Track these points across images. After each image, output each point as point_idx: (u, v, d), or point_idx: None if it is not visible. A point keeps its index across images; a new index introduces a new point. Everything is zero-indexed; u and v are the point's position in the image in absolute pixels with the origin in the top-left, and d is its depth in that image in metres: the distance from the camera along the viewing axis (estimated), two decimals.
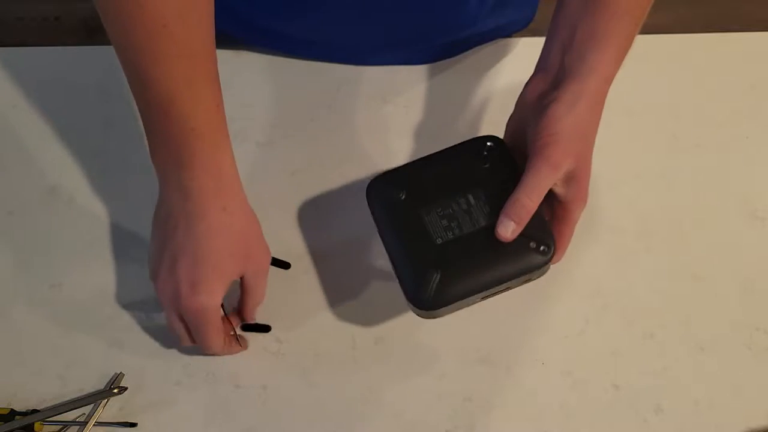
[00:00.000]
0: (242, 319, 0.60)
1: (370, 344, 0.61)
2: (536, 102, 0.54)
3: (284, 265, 0.63)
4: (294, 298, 0.62)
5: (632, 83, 0.73)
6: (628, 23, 0.54)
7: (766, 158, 0.71)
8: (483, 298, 0.54)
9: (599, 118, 0.55)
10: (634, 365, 0.61)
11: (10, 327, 0.61)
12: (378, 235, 0.56)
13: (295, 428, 0.58)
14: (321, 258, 0.64)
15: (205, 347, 0.56)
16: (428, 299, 0.52)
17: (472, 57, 0.75)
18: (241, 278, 0.57)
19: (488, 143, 0.56)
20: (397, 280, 0.54)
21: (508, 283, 0.54)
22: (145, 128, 0.54)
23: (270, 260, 0.59)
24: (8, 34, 1.59)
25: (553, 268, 0.64)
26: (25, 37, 1.56)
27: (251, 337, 0.61)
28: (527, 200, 0.52)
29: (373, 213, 0.56)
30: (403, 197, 0.55)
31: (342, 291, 0.63)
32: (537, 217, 0.53)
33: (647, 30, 0.74)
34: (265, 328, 0.61)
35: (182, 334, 0.56)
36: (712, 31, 0.77)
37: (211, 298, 0.53)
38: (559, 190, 0.53)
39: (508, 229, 0.52)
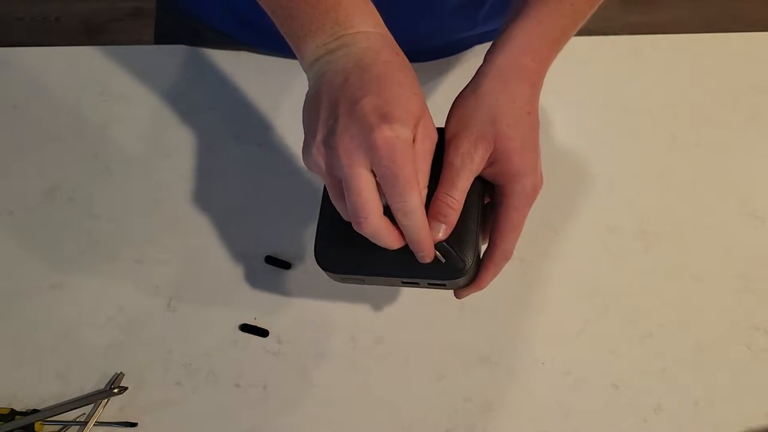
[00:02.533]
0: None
1: (370, 344, 0.61)
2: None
3: (284, 265, 0.64)
4: (294, 298, 0.62)
5: (632, 83, 0.74)
6: (557, 1, 0.51)
7: (766, 158, 0.71)
8: (389, 284, 0.53)
9: (524, 95, 0.50)
10: (634, 365, 0.61)
11: (10, 327, 0.61)
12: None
13: (295, 428, 0.58)
14: None
15: (405, 203, 0.44)
16: (328, 261, 0.51)
17: (472, 57, 0.75)
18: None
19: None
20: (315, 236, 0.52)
21: (413, 281, 0.51)
22: (287, 25, 0.49)
23: (437, 137, 0.49)
24: (8, 34, 1.59)
25: (553, 268, 0.64)
26: (25, 37, 1.56)
27: (251, 337, 0.61)
28: (446, 197, 0.48)
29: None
30: None
31: (342, 291, 0.63)
32: (468, 230, 0.50)
33: (647, 30, 0.75)
34: (262, 333, 0.61)
35: (375, 200, 0.45)
36: (712, 31, 0.77)
37: (406, 127, 0.44)
38: (489, 176, 0.50)
39: (438, 231, 0.48)
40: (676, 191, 0.69)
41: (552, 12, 0.51)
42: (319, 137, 0.46)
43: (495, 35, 0.75)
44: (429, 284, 0.52)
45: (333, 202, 0.48)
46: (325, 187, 0.51)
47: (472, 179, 0.49)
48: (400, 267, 0.50)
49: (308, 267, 0.64)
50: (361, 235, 0.47)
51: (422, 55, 0.74)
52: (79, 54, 0.75)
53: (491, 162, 0.50)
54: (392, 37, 0.49)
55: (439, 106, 0.71)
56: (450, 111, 0.51)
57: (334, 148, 0.44)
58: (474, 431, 0.58)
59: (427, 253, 0.48)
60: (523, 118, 0.50)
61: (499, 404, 0.59)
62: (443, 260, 0.49)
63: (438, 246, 0.49)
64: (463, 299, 0.63)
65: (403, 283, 0.52)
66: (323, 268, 0.51)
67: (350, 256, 0.51)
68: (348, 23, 0.47)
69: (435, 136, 0.48)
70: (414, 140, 0.45)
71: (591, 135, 0.71)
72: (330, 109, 0.45)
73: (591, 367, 0.61)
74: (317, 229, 0.52)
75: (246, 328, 0.61)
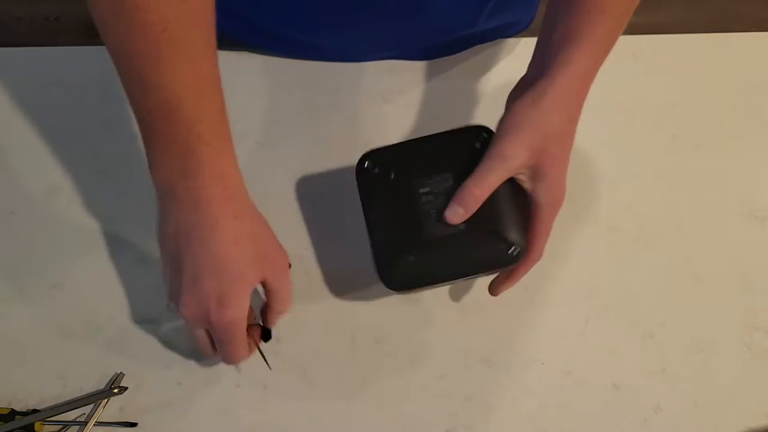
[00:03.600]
0: (265, 324, 0.58)
1: (370, 344, 0.61)
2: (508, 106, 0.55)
3: None
4: (294, 298, 0.62)
5: (632, 83, 0.74)
6: (606, 21, 0.54)
7: (766, 158, 0.71)
8: (446, 285, 0.58)
9: (573, 116, 0.54)
10: (634, 365, 0.61)
11: (10, 327, 0.61)
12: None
13: (295, 428, 0.58)
14: (321, 258, 0.64)
15: (231, 359, 0.55)
16: (398, 280, 0.55)
17: (472, 56, 0.75)
18: (264, 285, 0.55)
19: (483, 133, 0.56)
20: (372, 256, 0.56)
21: (473, 277, 0.56)
22: (145, 140, 0.52)
23: (288, 261, 0.57)
24: (8, 34, 1.59)
25: (553, 268, 0.64)
26: (25, 37, 1.56)
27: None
28: (475, 189, 0.53)
29: (360, 190, 0.57)
30: (392, 176, 0.56)
31: (342, 290, 0.63)
32: (515, 218, 0.55)
33: (647, 30, 0.75)
34: (266, 336, 0.61)
35: (209, 349, 0.56)
36: (712, 31, 0.77)
37: (239, 309, 0.52)
38: (527, 185, 0.54)
39: (455, 215, 0.54)
40: (676, 191, 0.69)
41: (602, 31, 0.54)
42: (169, 288, 0.54)
43: (495, 36, 0.76)
44: (488, 274, 0.57)
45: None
46: (366, 206, 0.57)
47: (504, 178, 0.53)
48: (464, 266, 0.55)
49: (308, 267, 0.64)
50: (418, 245, 0.54)
51: (423, 53, 0.74)
52: (79, 54, 0.74)
53: (534, 174, 0.54)
54: (240, 182, 0.53)
55: (442, 108, 0.72)
56: (508, 113, 0.54)
57: (181, 313, 0.52)
58: (474, 431, 0.58)
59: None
60: (567, 138, 0.55)
61: (499, 404, 0.59)
62: None
63: (491, 236, 0.54)
64: (462, 299, 0.63)
65: (465, 279, 0.58)
66: (395, 290, 0.56)
67: (415, 269, 0.54)
68: (195, 172, 0.50)
69: (284, 263, 0.56)
70: (265, 282, 0.54)
71: (591, 135, 0.71)
72: (175, 263, 0.52)
73: (591, 367, 0.61)
74: (373, 251, 0.56)
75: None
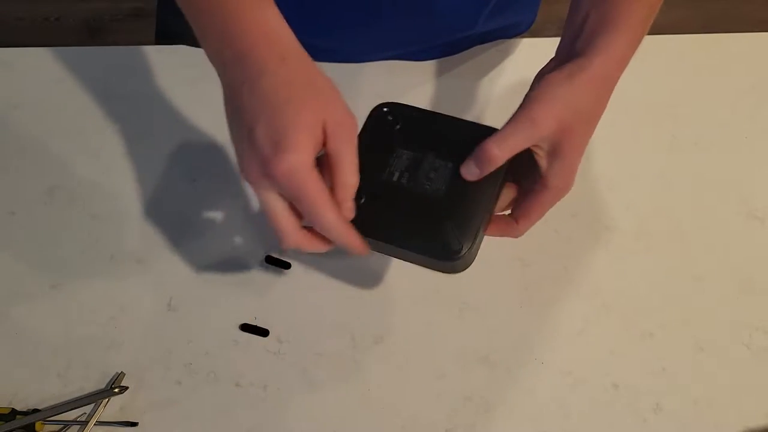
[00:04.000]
0: (338, 201, 0.49)
1: (370, 344, 0.61)
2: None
3: (284, 265, 0.64)
4: (294, 298, 0.62)
5: (632, 83, 0.73)
6: (641, 7, 0.53)
7: (766, 158, 0.71)
8: (383, 251, 0.54)
9: (603, 102, 0.53)
10: (634, 365, 0.61)
11: (10, 327, 0.61)
12: None
13: (295, 428, 0.58)
14: (321, 258, 0.64)
15: (319, 221, 0.47)
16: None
17: (473, 57, 0.75)
18: (325, 146, 0.47)
19: None
20: None
21: (405, 253, 0.53)
22: (191, 20, 0.50)
23: (356, 123, 0.50)
24: (8, 34, 1.59)
25: (553, 268, 0.64)
26: (25, 37, 1.56)
27: (251, 337, 0.61)
28: (495, 149, 0.50)
29: (363, 126, 0.56)
30: (396, 128, 0.56)
31: (342, 291, 0.63)
32: (477, 219, 0.52)
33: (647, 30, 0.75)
34: (263, 332, 0.61)
35: (288, 221, 0.48)
36: (712, 31, 0.77)
37: (299, 153, 0.45)
38: (542, 162, 0.52)
39: (469, 171, 0.52)
40: (676, 191, 0.69)
41: (638, 17, 0.53)
42: (238, 162, 0.48)
43: (496, 36, 0.76)
44: (423, 262, 0.53)
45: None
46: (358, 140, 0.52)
47: (526, 145, 0.50)
48: (399, 237, 0.52)
49: (308, 267, 0.64)
50: (374, 194, 0.51)
51: (423, 54, 0.75)
52: (79, 54, 0.75)
53: (553, 151, 0.51)
54: (285, 30, 0.49)
55: (442, 108, 0.72)
56: (540, 82, 0.52)
57: (245, 174, 0.47)
58: (474, 431, 0.58)
59: (359, 250, 0.51)
60: (593, 122, 0.53)
61: (499, 404, 0.59)
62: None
63: (443, 226, 0.51)
64: (463, 299, 0.63)
65: (397, 255, 0.54)
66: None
67: (359, 214, 0.51)
68: (235, 28, 0.48)
69: (348, 122, 0.48)
70: (326, 137, 0.46)
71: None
72: (235, 128, 0.48)
73: (591, 367, 0.61)
74: None
75: (246, 327, 0.61)
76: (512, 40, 0.76)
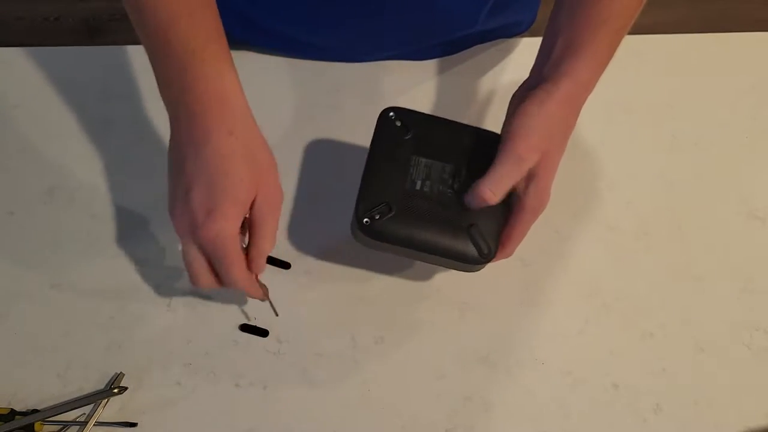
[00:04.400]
0: (249, 267, 0.55)
1: (370, 344, 0.61)
2: (514, 107, 0.56)
3: (284, 265, 0.64)
4: (294, 298, 0.62)
5: (632, 83, 0.74)
6: (607, 33, 0.55)
7: (765, 158, 0.71)
8: (410, 257, 0.57)
9: (571, 123, 0.55)
10: (634, 365, 0.61)
11: (10, 327, 0.61)
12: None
13: (295, 428, 0.58)
14: (321, 258, 0.64)
15: (229, 279, 0.53)
16: (371, 227, 0.55)
17: (473, 56, 0.75)
18: (250, 214, 0.53)
19: None
20: (356, 201, 0.56)
21: (437, 258, 0.56)
22: (152, 64, 0.53)
23: (282, 198, 0.55)
24: (8, 34, 1.59)
25: (553, 268, 0.64)
26: (25, 37, 1.56)
27: (251, 337, 0.61)
28: (488, 192, 0.54)
29: (375, 132, 0.58)
30: (408, 137, 0.58)
31: (342, 291, 0.63)
32: (497, 220, 0.56)
33: (647, 30, 0.75)
34: (262, 333, 0.61)
35: (202, 271, 0.53)
36: (711, 31, 0.77)
37: (228, 223, 0.50)
38: (519, 185, 0.55)
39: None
40: (676, 191, 0.69)
41: (604, 43, 0.55)
42: (168, 203, 0.53)
43: (496, 36, 0.76)
44: (450, 265, 0.57)
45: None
46: (372, 150, 0.57)
47: (516, 180, 0.54)
48: (428, 244, 0.55)
49: (308, 267, 0.64)
50: (399, 202, 0.55)
51: (423, 53, 0.74)
52: (79, 54, 0.75)
53: (529, 174, 0.54)
54: (239, 96, 0.53)
55: (443, 107, 0.72)
56: (511, 114, 0.55)
57: (175, 224, 0.52)
58: (474, 431, 0.58)
59: (258, 297, 0.58)
60: (563, 144, 0.55)
61: (499, 404, 0.59)
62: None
63: (470, 231, 0.55)
64: (462, 299, 0.63)
65: (427, 260, 0.57)
66: (365, 233, 0.56)
67: (391, 224, 0.55)
68: (191, 86, 0.51)
69: (275, 194, 0.54)
70: (253, 207, 0.52)
71: (591, 135, 0.71)
72: (173, 179, 0.52)
73: (591, 367, 0.61)
74: (361, 192, 0.56)
75: (246, 328, 0.61)
76: (512, 40, 0.76)
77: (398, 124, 0.58)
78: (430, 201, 0.56)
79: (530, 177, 0.54)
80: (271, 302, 0.60)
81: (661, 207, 0.68)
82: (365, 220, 0.55)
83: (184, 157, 0.51)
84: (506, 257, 0.57)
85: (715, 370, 0.61)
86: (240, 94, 0.53)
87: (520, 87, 0.57)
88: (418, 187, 0.56)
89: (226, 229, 0.51)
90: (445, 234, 0.55)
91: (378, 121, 0.59)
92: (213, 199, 0.50)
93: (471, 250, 0.55)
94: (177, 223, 0.52)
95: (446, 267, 0.59)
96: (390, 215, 0.55)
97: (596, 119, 0.71)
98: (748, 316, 0.63)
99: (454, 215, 0.55)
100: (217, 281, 0.54)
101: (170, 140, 0.53)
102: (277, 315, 0.61)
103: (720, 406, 0.59)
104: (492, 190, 0.53)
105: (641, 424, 0.59)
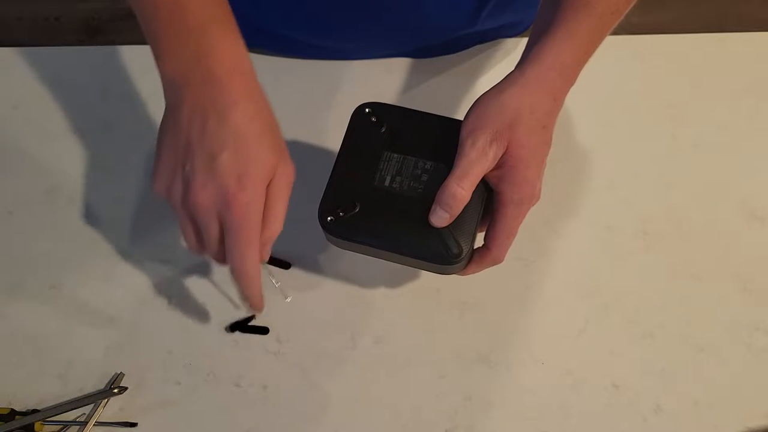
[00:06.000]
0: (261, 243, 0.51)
1: (370, 344, 0.61)
2: None
3: (284, 265, 0.64)
4: (294, 298, 0.62)
5: (631, 83, 0.74)
6: (587, 15, 0.52)
7: (766, 158, 0.71)
8: (381, 257, 0.54)
9: (546, 107, 0.52)
10: (634, 365, 0.61)
11: (10, 327, 0.61)
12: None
13: (295, 428, 0.58)
14: (321, 258, 0.64)
15: (240, 261, 0.49)
16: (334, 225, 0.53)
17: (472, 56, 0.75)
18: (267, 189, 0.50)
19: None
20: (323, 194, 0.54)
21: (406, 259, 0.53)
22: (152, 35, 0.50)
23: (294, 177, 0.52)
24: (8, 34, 1.59)
25: (553, 268, 0.64)
26: (25, 37, 1.56)
27: (251, 337, 0.61)
28: (457, 188, 0.50)
29: (347, 131, 0.57)
30: (382, 131, 0.55)
31: (342, 291, 0.63)
32: (473, 220, 0.52)
33: (647, 30, 0.75)
34: (263, 330, 0.61)
35: (215, 245, 0.49)
36: (711, 31, 0.77)
37: (257, 196, 0.47)
38: (492, 179, 0.52)
39: (441, 219, 0.51)
40: (676, 191, 0.69)
41: (582, 25, 0.52)
42: (176, 177, 0.48)
43: (496, 35, 0.76)
44: (421, 266, 0.54)
45: (182, 230, 0.51)
46: (341, 147, 0.55)
47: (485, 172, 0.51)
48: (398, 243, 0.52)
49: (308, 267, 0.64)
50: (368, 199, 0.52)
51: (423, 52, 0.74)
52: (79, 54, 0.74)
53: (499, 165, 0.51)
54: (253, 71, 0.50)
55: (443, 107, 0.72)
56: (471, 108, 0.53)
57: (192, 199, 0.47)
58: (474, 431, 0.58)
59: (257, 305, 0.53)
60: (537, 131, 0.51)
61: (499, 404, 0.59)
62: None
63: (440, 230, 0.51)
64: (462, 299, 0.63)
65: (395, 260, 0.54)
66: (329, 232, 0.53)
67: (356, 222, 0.52)
68: (210, 52, 0.48)
69: (291, 173, 0.51)
70: (270, 183, 0.49)
71: (591, 135, 0.71)
72: (186, 149, 0.48)
73: (591, 367, 0.61)
74: (326, 189, 0.54)
75: (246, 327, 0.61)
76: (512, 40, 0.76)
77: (373, 119, 0.56)
78: (399, 198, 0.52)
79: (503, 167, 0.51)
80: (279, 288, 0.59)
81: (661, 207, 0.68)
82: (329, 218, 0.53)
83: (204, 122, 0.47)
84: (496, 262, 0.54)
85: (715, 370, 0.61)
86: (251, 62, 0.50)
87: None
88: (387, 183, 0.53)
89: (256, 200, 0.48)
90: (413, 232, 0.52)
91: (351, 118, 0.57)
92: (244, 164, 0.47)
93: (440, 249, 0.51)
94: (201, 194, 0.47)
95: (420, 269, 0.56)
96: (354, 212, 0.52)
97: (596, 119, 0.72)
98: (748, 316, 0.63)
99: (424, 214, 0.52)
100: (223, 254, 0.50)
101: (169, 116, 0.50)
102: (287, 298, 0.60)
103: (720, 406, 0.59)
104: (459, 185, 0.50)
105: (641, 424, 0.59)
